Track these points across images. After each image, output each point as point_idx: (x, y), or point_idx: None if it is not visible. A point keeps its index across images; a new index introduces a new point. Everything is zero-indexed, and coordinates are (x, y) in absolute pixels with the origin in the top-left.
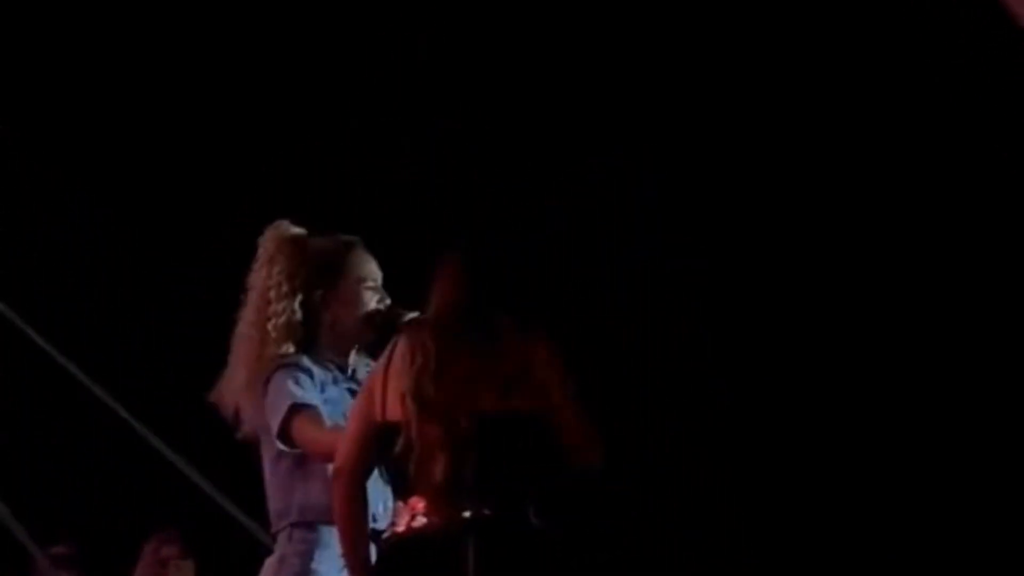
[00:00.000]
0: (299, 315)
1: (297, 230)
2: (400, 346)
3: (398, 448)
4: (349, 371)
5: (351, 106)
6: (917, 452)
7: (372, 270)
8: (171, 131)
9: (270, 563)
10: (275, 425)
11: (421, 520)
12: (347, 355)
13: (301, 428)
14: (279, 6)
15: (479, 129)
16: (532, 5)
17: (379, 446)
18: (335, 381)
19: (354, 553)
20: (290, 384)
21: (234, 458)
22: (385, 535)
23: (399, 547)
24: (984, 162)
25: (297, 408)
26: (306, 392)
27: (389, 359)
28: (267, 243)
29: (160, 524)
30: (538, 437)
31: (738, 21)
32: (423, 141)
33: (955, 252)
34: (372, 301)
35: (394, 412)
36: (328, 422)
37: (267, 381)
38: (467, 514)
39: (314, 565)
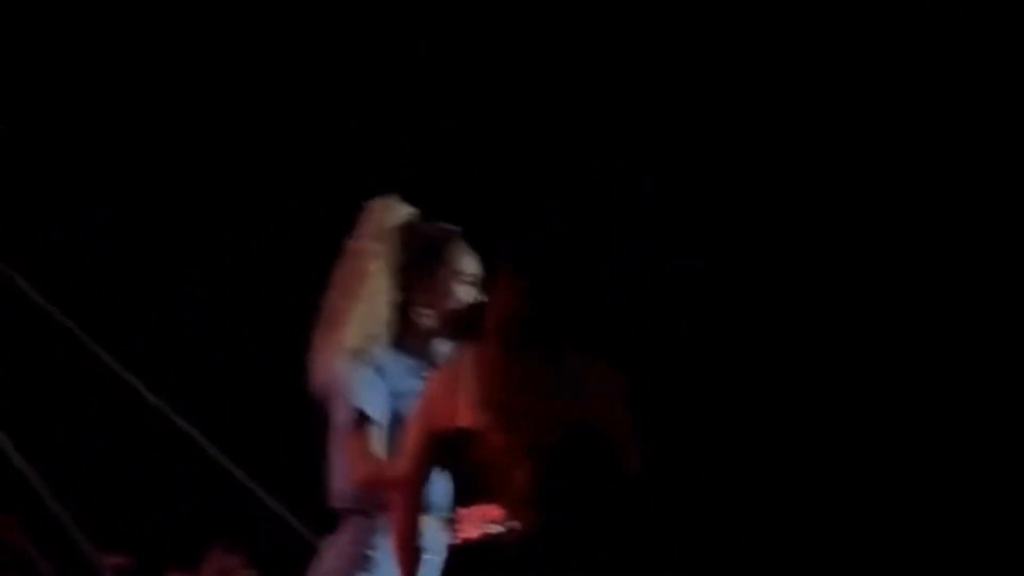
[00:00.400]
0: (388, 300)
1: (407, 209)
2: (470, 354)
3: (473, 455)
4: (434, 361)
5: (350, 106)
6: (917, 452)
7: (469, 264)
8: (175, 129)
9: (329, 542)
10: (338, 423)
11: (496, 528)
12: (432, 345)
13: (352, 444)
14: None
15: (478, 129)
16: (532, 6)
17: (444, 452)
18: (415, 372)
19: (409, 565)
20: (359, 385)
21: (295, 468)
22: (453, 542)
23: (476, 554)
24: (984, 162)
25: (360, 419)
26: (373, 397)
27: (455, 365)
28: (375, 217)
29: (223, 535)
30: (602, 447)
31: (739, 21)
32: (423, 141)
33: (954, 252)
34: (465, 295)
35: (465, 418)
36: (381, 427)
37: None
38: (547, 522)
39: (370, 552)
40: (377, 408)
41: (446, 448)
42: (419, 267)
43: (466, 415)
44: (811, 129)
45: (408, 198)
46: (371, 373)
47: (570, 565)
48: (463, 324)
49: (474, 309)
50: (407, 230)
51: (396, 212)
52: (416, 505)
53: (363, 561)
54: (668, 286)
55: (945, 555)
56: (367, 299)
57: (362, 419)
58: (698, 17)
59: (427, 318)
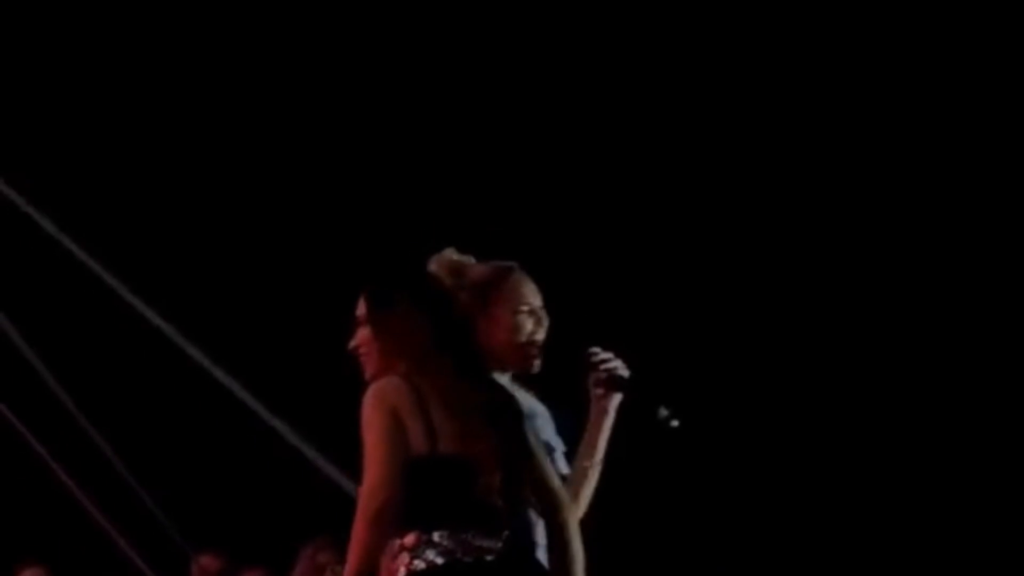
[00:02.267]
0: None
1: (460, 257)
2: (428, 381)
3: (480, 488)
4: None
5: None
6: (916, 452)
7: (528, 295)
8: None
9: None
10: None
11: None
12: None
13: None
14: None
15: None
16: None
17: (422, 478)
18: None
19: None
20: None
21: None
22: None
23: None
24: (984, 162)
25: None
26: None
27: (414, 393)
28: (431, 267)
29: (317, 530)
30: None
31: (740, 20)
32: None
33: (953, 252)
34: (528, 326)
35: (445, 446)
36: None
37: None
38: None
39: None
40: None
41: (423, 474)
42: (475, 305)
43: (446, 443)
44: (810, 130)
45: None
46: None
47: None
48: (520, 353)
49: (528, 335)
50: (458, 271)
51: (448, 257)
52: (381, 543)
53: None
54: (668, 285)
55: (945, 555)
56: None
57: None
58: (700, 17)
59: (495, 352)
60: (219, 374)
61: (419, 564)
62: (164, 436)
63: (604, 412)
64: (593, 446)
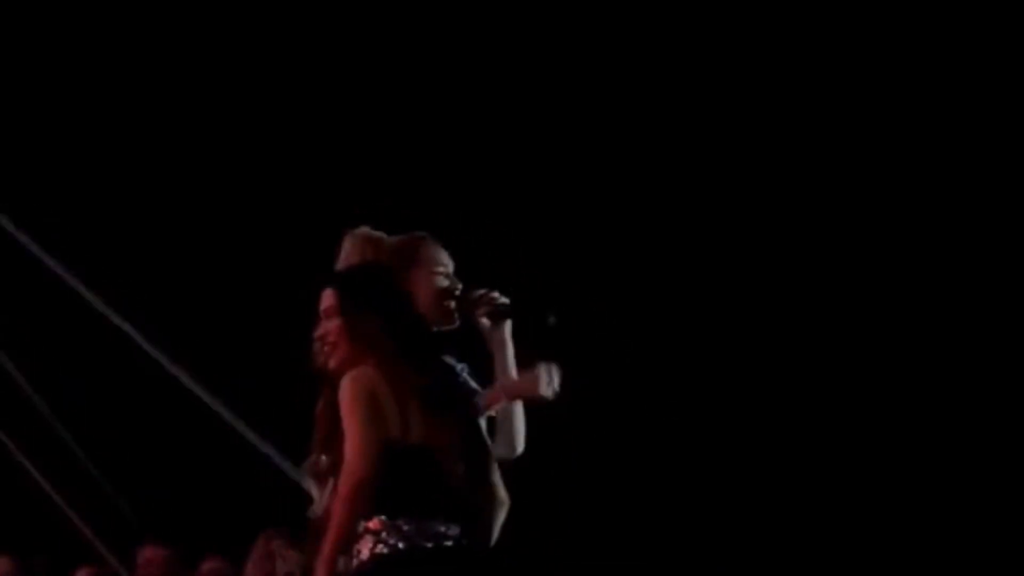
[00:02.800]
0: None
1: (373, 233)
2: (398, 371)
3: (430, 473)
4: None
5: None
6: (916, 452)
7: (442, 259)
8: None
9: None
10: None
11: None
12: None
13: None
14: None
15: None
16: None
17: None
18: None
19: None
20: None
21: None
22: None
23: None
24: (983, 163)
25: None
26: None
27: (388, 382)
28: (346, 244)
29: (267, 522)
30: None
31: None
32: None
33: (954, 252)
34: (445, 283)
35: (418, 435)
36: None
37: None
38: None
39: None
40: None
41: (392, 461)
42: (396, 272)
43: (417, 433)
44: (810, 132)
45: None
46: None
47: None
48: (443, 309)
49: (447, 292)
50: (374, 243)
51: (362, 233)
52: (362, 512)
53: None
54: (668, 286)
55: (945, 555)
56: None
57: None
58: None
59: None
60: (176, 371)
61: (382, 548)
62: (126, 432)
63: (502, 342)
64: (506, 380)
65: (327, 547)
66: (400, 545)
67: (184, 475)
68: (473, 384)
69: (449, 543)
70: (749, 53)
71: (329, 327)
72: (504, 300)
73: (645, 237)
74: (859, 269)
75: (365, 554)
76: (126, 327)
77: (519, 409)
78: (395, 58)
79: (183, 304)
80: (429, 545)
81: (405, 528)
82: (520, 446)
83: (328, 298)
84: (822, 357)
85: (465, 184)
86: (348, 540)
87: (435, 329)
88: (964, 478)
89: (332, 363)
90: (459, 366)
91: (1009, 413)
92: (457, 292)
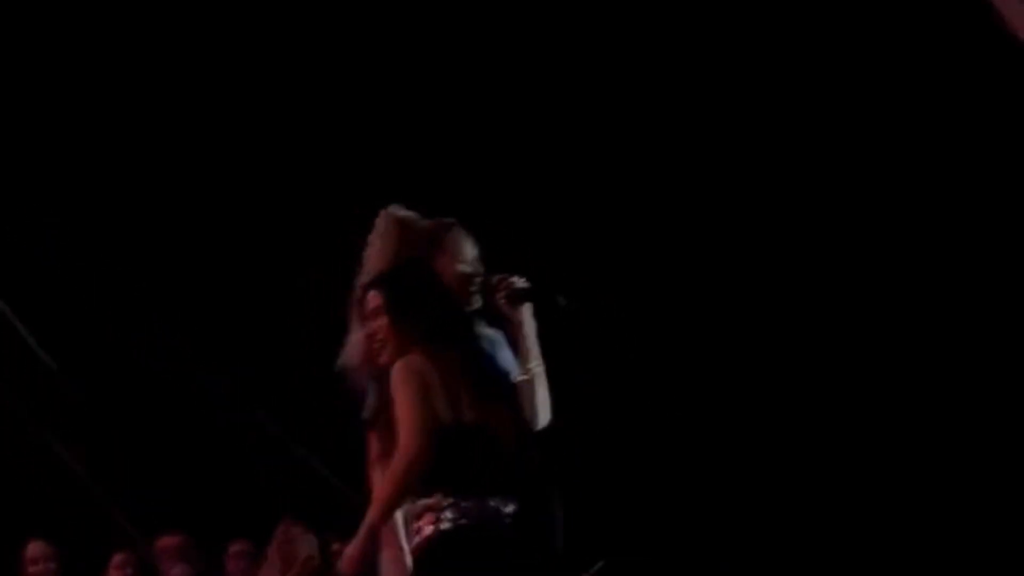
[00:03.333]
0: None
1: (405, 212)
2: (433, 364)
3: (472, 452)
4: None
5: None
6: (915, 452)
7: (467, 247)
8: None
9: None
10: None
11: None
12: None
13: None
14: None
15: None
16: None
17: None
18: None
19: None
20: None
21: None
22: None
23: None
24: (983, 163)
25: None
26: None
27: (441, 363)
28: (378, 223)
29: (287, 510)
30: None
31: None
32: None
33: (953, 252)
34: (468, 269)
35: (470, 414)
36: None
37: None
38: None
39: None
40: None
41: (448, 441)
42: (424, 253)
43: (466, 413)
44: (810, 133)
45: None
46: None
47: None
48: (464, 294)
49: (469, 278)
50: (405, 225)
51: (394, 212)
52: (414, 487)
53: None
54: (668, 286)
55: (945, 555)
56: None
57: None
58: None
59: None
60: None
61: (446, 525)
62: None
63: (520, 323)
64: (526, 356)
65: (372, 516)
66: (463, 521)
67: (211, 469)
68: (508, 354)
69: (508, 519)
70: (756, 53)
71: (377, 326)
72: (522, 284)
73: (652, 229)
74: (860, 268)
75: (428, 531)
76: (156, 325)
77: (543, 378)
78: (411, 48)
79: (206, 301)
80: (490, 521)
81: (465, 505)
82: (546, 416)
83: (374, 299)
84: (824, 354)
85: (478, 172)
86: (392, 514)
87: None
88: (964, 478)
89: (383, 359)
90: (495, 334)
91: (1009, 413)
92: (479, 278)
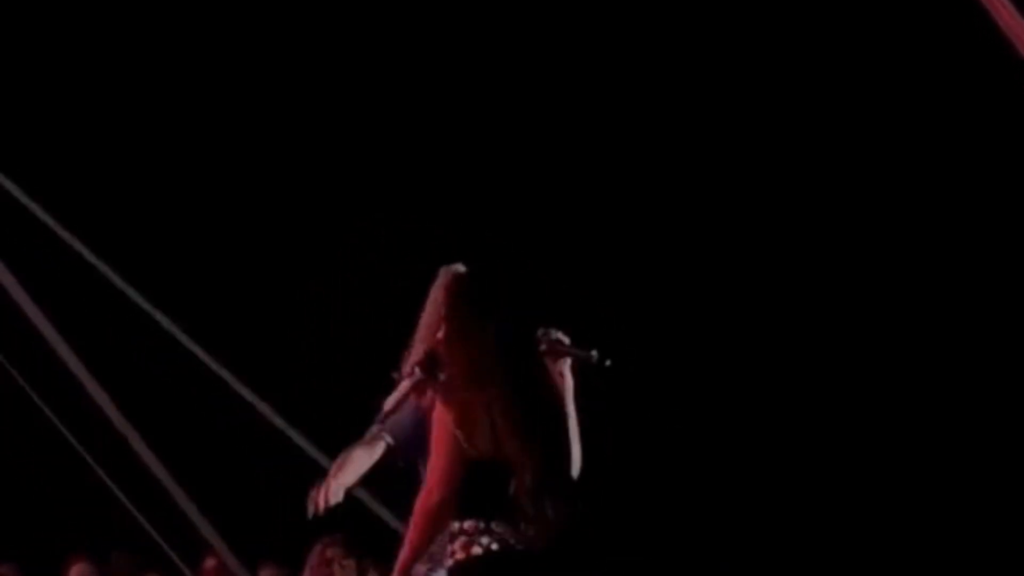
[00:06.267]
0: None
1: (464, 269)
2: (489, 392)
3: (508, 486)
4: None
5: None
6: (915, 453)
7: None
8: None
9: None
10: None
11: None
12: None
13: None
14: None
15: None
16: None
17: (482, 480)
18: None
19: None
20: None
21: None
22: (458, 558)
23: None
24: (982, 164)
25: None
26: None
27: (486, 401)
28: (440, 278)
29: (325, 530)
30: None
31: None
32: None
33: (953, 253)
34: None
35: (503, 451)
36: None
37: None
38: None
39: None
40: None
41: (479, 478)
42: None
43: (505, 448)
44: (810, 134)
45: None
46: None
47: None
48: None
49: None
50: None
51: (457, 272)
52: (435, 533)
53: None
54: (667, 287)
55: (945, 555)
56: None
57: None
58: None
59: None
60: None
61: (477, 549)
62: (193, 444)
63: (560, 376)
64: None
65: (405, 554)
66: (493, 547)
67: (239, 483)
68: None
69: (538, 547)
70: (757, 58)
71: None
72: (563, 339)
73: (653, 242)
74: (862, 272)
75: (460, 555)
76: (188, 339)
77: (576, 435)
78: (415, 63)
79: (244, 313)
80: (519, 547)
81: (497, 531)
82: (576, 471)
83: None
84: (825, 358)
85: (480, 182)
86: (423, 550)
87: None
88: (964, 479)
89: (433, 389)
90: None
91: (1009, 413)
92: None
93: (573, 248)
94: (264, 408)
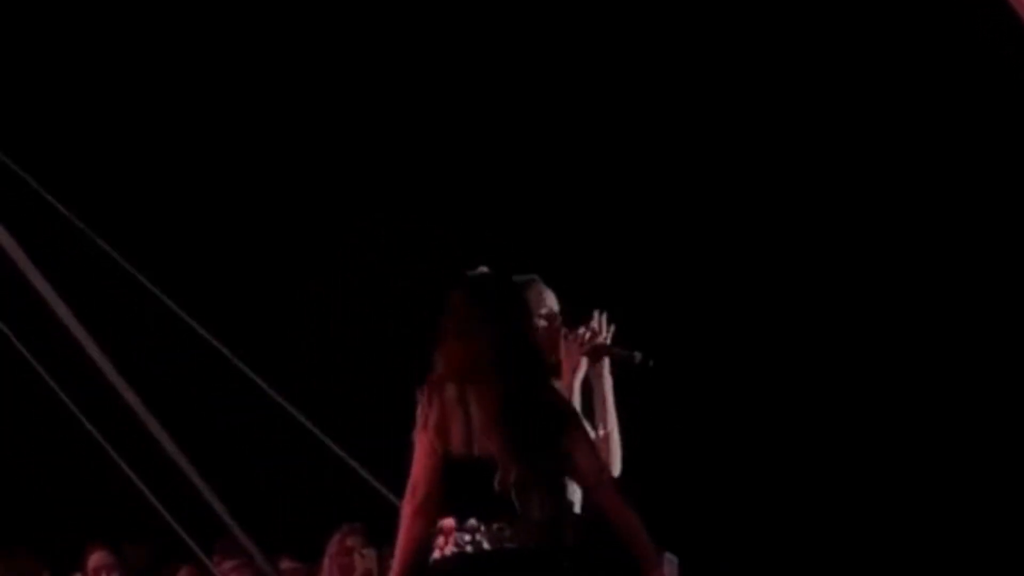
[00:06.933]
0: None
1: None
2: (475, 389)
3: (489, 485)
4: None
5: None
6: (915, 453)
7: (548, 300)
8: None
9: None
10: None
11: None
12: None
13: None
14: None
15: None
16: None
17: (460, 477)
18: None
19: None
20: None
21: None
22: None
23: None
24: (981, 164)
25: None
26: None
27: (459, 399)
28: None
29: (345, 518)
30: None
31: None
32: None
33: (953, 253)
34: (542, 325)
35: (483, 447)
36: None
37: None
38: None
39: None
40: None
41: (462, 474)
42: None
43: (480, 446)
44: (811, 134)
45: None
46: None
47: None
48: (545, 348)
49: (546, 331)
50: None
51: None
52: (420, 535)
53: None
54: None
55: (945, 555)
56: None
57: None
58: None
59: None
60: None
61: (451, 548)
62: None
63: (600, 377)
64: (604, 412)
65: (396, 553)
66: (468, 548)
67: (260, 473)
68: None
69: (511, 545)
70: (756, 57)
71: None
72: (602, 339)
73: (654, 242)
74: (864, 275)
75: (436, 554)
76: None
77: (616, 435)
78: (415, 63)
79: (244, 313)
80: (488, 547)
81: (474, 529)
82: (617, 471)
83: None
84: (826, 360)
85: (481, 185)
86: (410, 549)
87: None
88: (965, 479)
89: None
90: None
91: (1009, 414)
92: (560, 330)
93: (574, 248)
94: (280, 399)
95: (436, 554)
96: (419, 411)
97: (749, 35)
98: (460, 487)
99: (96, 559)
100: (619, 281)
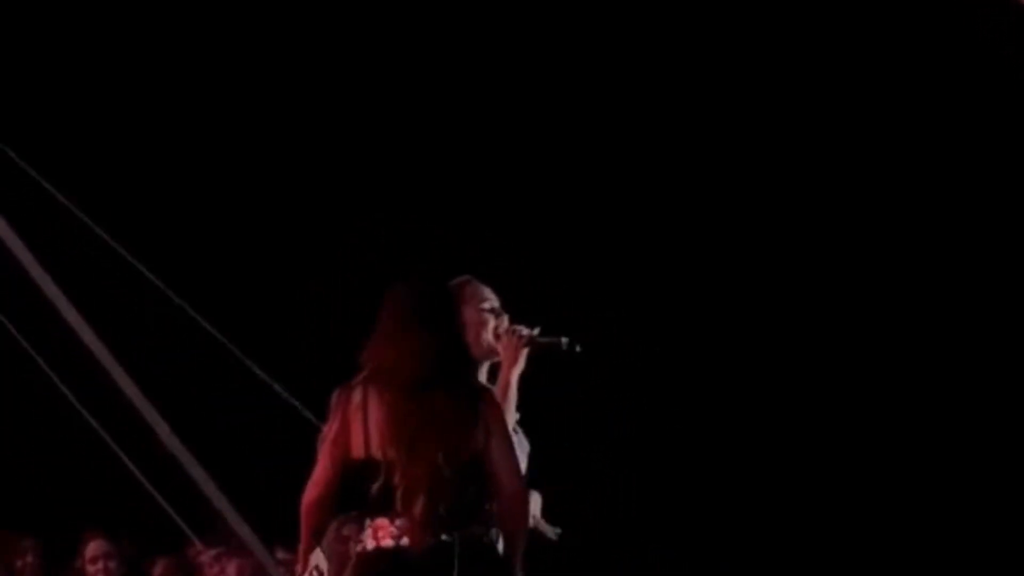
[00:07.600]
0: None
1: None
2: (376, 392)
3: (378, 484)
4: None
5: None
6: (915, 453)
7: (486, 295)
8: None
9: None
10: None
11: (389, 541)
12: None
13: None
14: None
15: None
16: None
17: (354, 480)
18: None
19: None
20: None
21: None
22: (359, 549)
23: (379, 560)
24: (981, 164)
25: None
26: None
27: (361, 402)
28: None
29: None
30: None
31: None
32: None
33: (953, 253)
34: (491, 322)
35: (375, 451)
36: None
37: None
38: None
39: None
40: None
41: (356, 476)
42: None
43: (376, 448)
44: (811, 135)
45: None
46: None
47: None
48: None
49: (484, 324)
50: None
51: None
52: (315, 527)
53: None
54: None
55: (945, 555)
56: None
57: None
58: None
59: (474, 351)
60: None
61: (362, 546)
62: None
63: (514, 362)
64: (510, 402)
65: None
66: (369, 545)
67: (256, 466)
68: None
69: (405, 541)
70: (756, 57)
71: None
72: (527, 331)
73: (654, 242)
74: (862, 274)
75: (357, 548)
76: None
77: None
78: (415, 64)
79: (244, 313)
80: (391, 544)
81: (382, 527)
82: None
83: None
84: (824, 360)
85: (479, 185)
86: (309, 544)
87: (484, 362)
88: (965, 479)
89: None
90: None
91: (1009, 414)
92: (499, 325)
93: (573, 248)
94: (280, 390)
95: (358, 547)
96: (328, 419)
97: (749, 35)
98: (355, 486)
99: (94, 548)
100: (619, 281)
